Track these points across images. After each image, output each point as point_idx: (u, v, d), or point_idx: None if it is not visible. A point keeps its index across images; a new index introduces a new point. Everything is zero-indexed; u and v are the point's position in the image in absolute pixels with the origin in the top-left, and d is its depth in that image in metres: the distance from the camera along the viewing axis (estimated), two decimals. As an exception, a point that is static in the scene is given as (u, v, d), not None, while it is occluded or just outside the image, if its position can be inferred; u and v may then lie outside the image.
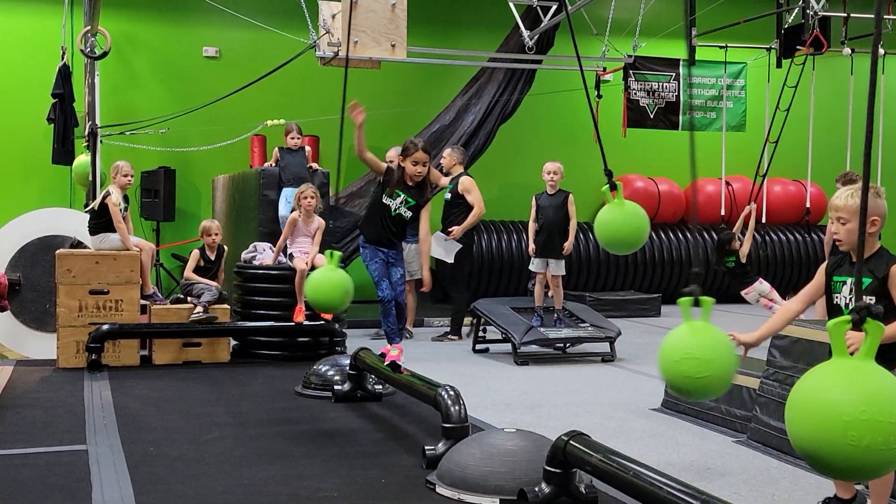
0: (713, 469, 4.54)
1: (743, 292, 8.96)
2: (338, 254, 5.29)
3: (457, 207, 8.91)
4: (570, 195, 8.30)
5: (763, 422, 4.92)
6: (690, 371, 2.90)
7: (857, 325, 2.27)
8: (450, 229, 8.80)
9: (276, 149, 9.46)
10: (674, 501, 2.96)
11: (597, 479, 3.56)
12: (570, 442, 3.61)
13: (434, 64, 11.48)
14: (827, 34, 10.26)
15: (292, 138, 9.40)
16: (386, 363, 5.33)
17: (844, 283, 3.34)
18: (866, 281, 3.26)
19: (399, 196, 5.33)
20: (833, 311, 3.38)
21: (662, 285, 12.53)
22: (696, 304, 3.03)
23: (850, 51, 10.75)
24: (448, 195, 8.97)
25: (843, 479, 3.07)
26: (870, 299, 3.20)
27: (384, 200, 5.36)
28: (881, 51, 10.80)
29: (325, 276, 5.18)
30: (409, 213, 5.37)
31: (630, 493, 3.29)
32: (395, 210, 5.35)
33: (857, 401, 2.10)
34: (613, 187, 4.30)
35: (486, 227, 12.14)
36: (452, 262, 8.83)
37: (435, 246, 8.58)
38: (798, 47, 10.09)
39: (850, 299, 3.27)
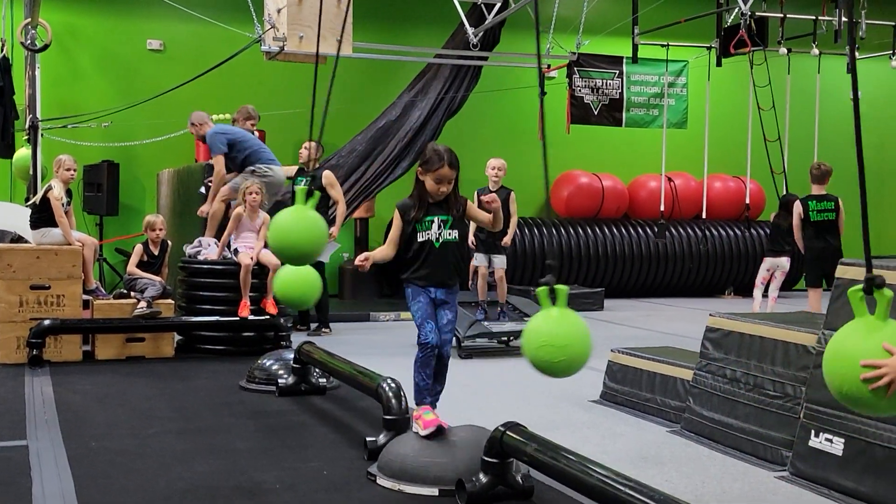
0: (648, 458, 4.67)
1: (777, 259, 9.17)
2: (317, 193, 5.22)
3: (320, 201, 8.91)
4: (513, 193, 8.45)
5: (696, 412, 5.07)
6: (548, 357, 3.22)
7: (868, 292, 2.42)
8: (330, 232, 8.79)
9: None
10: (604, 488, 3.07)
11: (532, 468, 3.66)
12: (507, 433, 3.70)
13: (380, 60, 11.52)
14: (765, 34, 10.50)
15: (252, 124, 9.23)
16: (423, 431, 4.19)
17: None
18: None
19: (432, 221, 4.34)
20: None
21: (606, 279, 12.72)
22: (553, 293, 3.26)
23: (785, 50, 11.01)
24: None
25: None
26: None
27: (421, 238, 4.35)
28: (815, 50, 11.10)
29: (294, 276, 4.93)
30: (454, 234, 4.37)
31: (564, 481, 3.39)
32: (438, 239, 4.35)
33: (873, 349, 2.35)
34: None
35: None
36: (328, 261, 8.99)
37: None
38: (736, 47, 10.30)
39: None
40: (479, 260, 8.48)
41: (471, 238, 8.46)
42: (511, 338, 8.22)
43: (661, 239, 12.36)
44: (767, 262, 9.42)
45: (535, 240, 12.39)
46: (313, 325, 9.16)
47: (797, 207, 8.66)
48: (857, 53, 10.07)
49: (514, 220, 8.52)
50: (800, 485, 4.15)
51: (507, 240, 8.46)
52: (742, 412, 4.72)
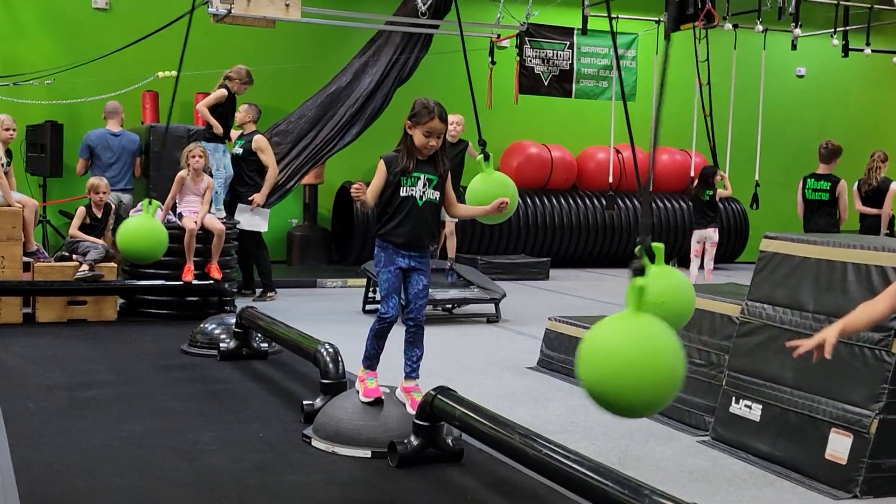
0: (576, 423, 4.81)
1: (704, 231, 9.39)
2: (156, 203, 5.52)
3: (247, 164, 8.87)
4: (470, 143, 8.54)
5: (627, 379, 5.21)
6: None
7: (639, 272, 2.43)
8: (250, 199, 8.78)
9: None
10: (525, 450, 3.19)
11: (461, 430, 3.77)
12: (438, 396, 3.81)
13: (330, 25, 11.47)
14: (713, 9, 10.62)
15: (244, 83, 9.11)
16: (362, 398, 4.22)
17: None
18: None
19: (419, 178, 4.17)
20: None
21: (553, 249, 12.87)
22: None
23: (731, 26, 11.17)
24: (239, 150, 8.94)
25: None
26: None
27: (404, 192, 4.16)
28: (760, 27, 11.26)
29: (138, 226, 5.37)
30: (437, 195, 4.23)
31: (490, 444, 3.52)
32: (422, 197, 4.19)
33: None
34: (487, 157, 4.66)
35: (382, 190, 12.27)
36: (266, 230, 9.01)
37: (244, 218, 8.74)
38: (688, 22, 10.41)
39: None
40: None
41: None
42: (454, 305, 8.32)
43: (609, 210, 12.50)
44: (696, 235, 9.65)
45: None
46: (258, 290, 9.18)
47: (800, 185, 8.64)
48: (799, 31, 10.21)
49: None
50: (720, 449, 4.31)
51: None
52: (669, 379, 4.87)
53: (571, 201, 13.19)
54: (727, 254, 14.01)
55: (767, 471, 4.00)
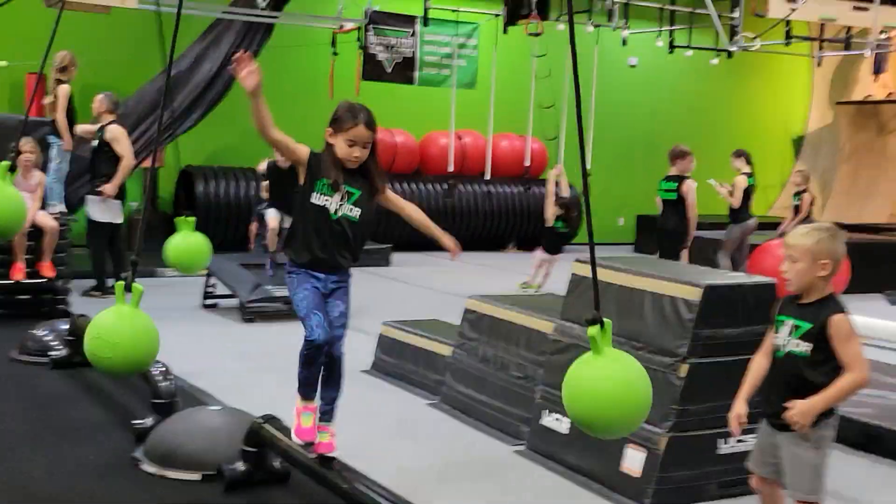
0: (404, 431, 5.06)
1: (547, 255, 9.75)
2: (192, 219, 5.37)
3: (103, 154, 8.74)
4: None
5: (453, 387, 5.50)
6: (97, 350, 3.34)
7: (592, 322, 2.84)
8: (99, 189, 8.64)
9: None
10: (340, 485, 3.42)
11: (285, 461, 3.94)
12: (264, 425, 3.97)
13: (167, 12, 11.25)
14: (547, 7, 11.03)
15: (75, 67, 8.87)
16: (294, 438, 3.74)
17: (783, 323, 3.22)
18: (806, 325, 3.15)
19: (338, 189, 3.63)
20: (774, 349, 3.27)
21: (395, 235, 13.09)
22: (128, 289, 3.41)
23: (563, 27, 11.62)
24: (95, 142, 8.86)
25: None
26: (806, 346, 3.14)
27: (315, 201, 3.63)
28: (590, 27, 11.75)
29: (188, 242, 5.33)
30: (356, 213, 3.66)
31: (311, 476, 3.71)
32: (337, 212, 3.64)
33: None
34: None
35: (226, 174, 12.18)
36: (121, 220, 8.88)
37: (96, 210, 8.63)
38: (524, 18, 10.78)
39: (787, 341, 3.19)
40: (272, 214, 8.51)
41: (264, 194, 8.48)
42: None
43: (449, 199, 12.83)
44: (544, 256, 10.00)
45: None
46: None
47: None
48: (626, 32, 10.74)
49: None
50: (532, 459, 4.65)
51: None
52: (491, 390, 5.19)
53: (414, 186, 13.44)
54: (563, 237, 14.62)
55: (572, 481, 4.35)
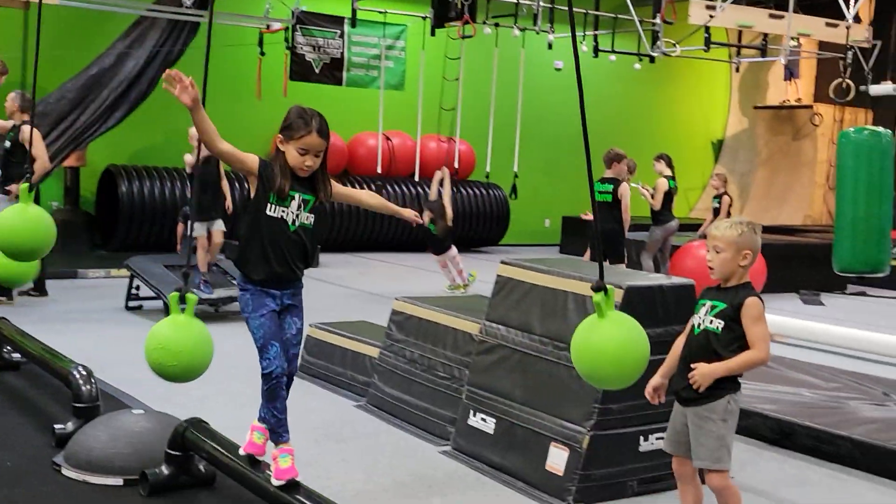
0: (331, 434, 5.06)
1: (437, 257, 9.86)
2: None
3: (15, 156, 8.32)
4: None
5: (380, 388, 5.53)
6: (162, 360, 3.47)
7: (597, 290, 3.10)
8: (8, 188, 8.47)
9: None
10: (266, 487, 3.42)
11: (210, 464, 3.93)
12: (189, 429, 3.95)
13: (91, 9, 11.06)
14: (475, 10, 11.12)
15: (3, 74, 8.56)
16: (275, 481, 3.51)
17: (704, 304, 3.54)
18: (721, 305, 3.47)
19: (293, 198, 3.53)
20: (689, 330, 3.58)
21: (324, 235, 13.07)
22: (183, 300, 3.56)
23: (489, 30, 11.78)
24: (8, 143, 8.64)
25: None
26: (719, 322, 3.44)
27: (271, 212, 3.51)
28: (516, 31, 11.89)
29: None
30: (311, 220, 3.59)
31: (236, 479, 3.71)
32: (295, 222, 3.54)
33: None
34: None
35: (150, 174, 12.00)
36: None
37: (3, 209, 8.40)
38: (451, 21, 10.85)
39: (704, 319, 3.50)
40: (199, 230, 8.30)
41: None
42: (221, 304, 8.36)
43: (431, 204, 12.85)
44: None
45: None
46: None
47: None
48: (552, 37, 10.93)
49: (226, 184, 8.68)
50: (459, 459, 4.70)
51: (228, 203, 8.61)
52: (418, 391, 5.23)
53: (347, 186, 13.41)
54: (491, 237, 14.75)
55: (497, 481, 4.41)
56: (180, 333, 3.54)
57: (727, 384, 3.45)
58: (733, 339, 3.42)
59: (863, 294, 12.21)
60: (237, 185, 12.03)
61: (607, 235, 8.86)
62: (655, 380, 3.65)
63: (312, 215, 3.59)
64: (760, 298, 3.47)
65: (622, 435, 4.25)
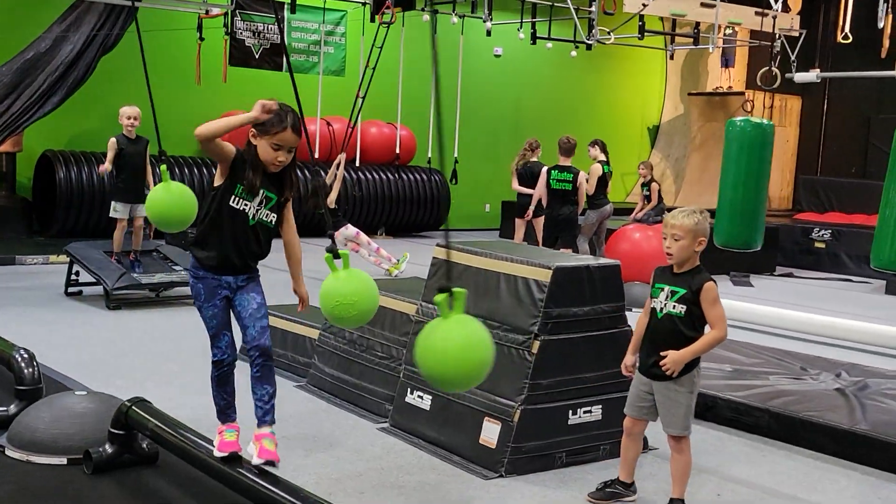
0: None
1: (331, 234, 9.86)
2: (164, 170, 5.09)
3: None
4: (149, 143, 8.51)
5: (320, 369, 5.67)
6: (341, 313, 3.67)
7: (442, 290, 2.96)
8: None
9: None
10: (211, 463, 3.55)
11: (154, 442, 4.04)
12: (132, 408, 4.05)
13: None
14: (412, -2, 11.28)
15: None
16: (218, 453, 3.60)
17: (662, 289, 3.86)
18: (681, 290, 3.80)
19: (256, 194, 3.57)
20: (651, 312, 3.91)
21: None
22: (336, 255, 3.72)
23: (427, 17, 11.91)
24: None
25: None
26: (681, 307, 3.78)
27: (234, 204, 3.54)
28: (455, 19, 12.04)
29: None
30: (272, 218, 3.65)
31: (180, 456, 3.83)
32: (255, 216, 3.59)
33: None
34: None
35: (87, 159, 11.92)
36: None
37: None
38: (388, 7, 10.95)
39: (665, 304, 3.83)
40: (120, 212, 8.31)
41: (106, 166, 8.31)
42: (162, 288, 8.40)
43: (316, 181, 12.87)
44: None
45: (195, 179, 12.48)
46: None
47: (543, 175, 9.63)
48: (490, 24, 11.09)
49: (151, 171, 8.64)
50: (396, 435, 4.87)
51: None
52: (357, 370, 5.38)
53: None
54: (432, 222, 14.91)
55: (434, 455, 4.59)
56: (349, 285, 3.72)
57: (692, 360, 3.84)
58: (695, 319, 3.80)
59: (789, 275, 12.63)
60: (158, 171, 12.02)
61: (565, 221, 9.27)
62: (628, 358, 4.03)
63: (274, 214, 3.64)
64: (714, 281, 3.82)
65: (551, 409, 4.45)
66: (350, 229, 10.17)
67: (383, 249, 10.24)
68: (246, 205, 3.56)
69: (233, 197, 3.54)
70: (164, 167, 5.13)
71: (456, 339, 2.92)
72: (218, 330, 3.64)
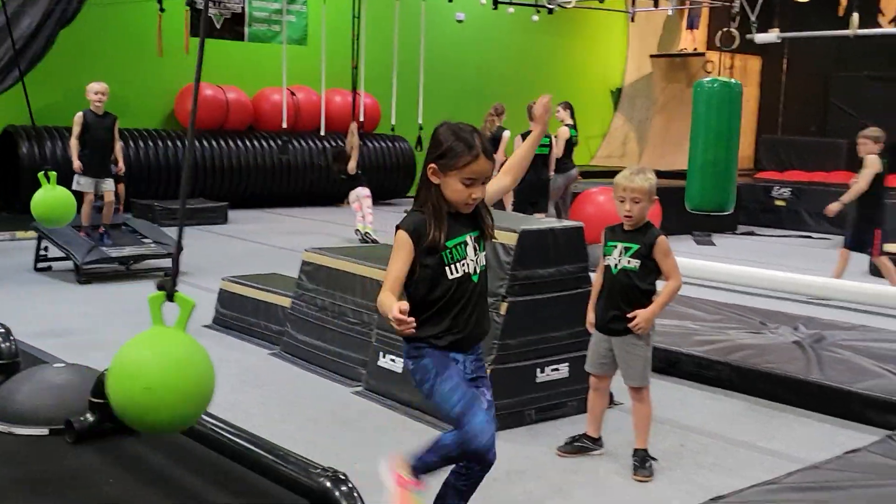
0: (248, 381, 5.30)
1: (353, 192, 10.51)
2: (53, 173, 5.64)
3: None
4: (117, 119, 8.58)
5: (293, 336, 5.78)
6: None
7: (171, 298, 2.38)
8: None
9: None
10: (195, 429, 3.65)
11: (133, 408, 4.12)
12: (111, 377, 4.13)
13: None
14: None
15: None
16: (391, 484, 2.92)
17: (615, 247, 4.01)
18: (634, 246, 3.96)
19: (465, 244, 2.87)
20: (605, 270, 4.07)
21: (231, 191, 13.12)
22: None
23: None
24: None
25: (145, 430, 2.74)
26: (636, 262, 3.95)
27: (452, 275, 2.84)
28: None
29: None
30: (483, 262, 2.96)
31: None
32: (476, 271, 2.91)
33: (158, 365, 2.37)
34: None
35: (50, 133, 11.85)
36: None
37: None
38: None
39: (620, 260, 3.98)
40: (85, 185, 8.36)
41: (76, 163, 8.35)
42: (132, 261, 8.44)
43: (283, 156, 12.93)
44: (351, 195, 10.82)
45: (160, 151, 12.46)
46: None
47: (504, 139, 9.99)
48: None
49: (120, 146, 8.76)
50: (369, 398, 5.00)
51: (121, 167, 8.72)
52: (329, 336, 5.49)
53: (248, 143, 13.46)
54: (398, 189, 14.98)
55: (407, 416, 4.73)
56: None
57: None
58: (649, 272, 3.98)
59: (751, 234, 12.88)
60: (132, 144, 12.01)
61: (542, 186, 9.51)
62: (590, 315, 4.17)
63: (485, 252, 2.95)
64: (663, 233, 4.02)
65: (520, 368, 4.60)
66: (364, 190, 10.59)
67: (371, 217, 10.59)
68: (464, 265, 2.87)
69: (446, 268, 2.84)
70: (53, 172, 5.67)
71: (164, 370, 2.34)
72: (467, 405, 2.85)
